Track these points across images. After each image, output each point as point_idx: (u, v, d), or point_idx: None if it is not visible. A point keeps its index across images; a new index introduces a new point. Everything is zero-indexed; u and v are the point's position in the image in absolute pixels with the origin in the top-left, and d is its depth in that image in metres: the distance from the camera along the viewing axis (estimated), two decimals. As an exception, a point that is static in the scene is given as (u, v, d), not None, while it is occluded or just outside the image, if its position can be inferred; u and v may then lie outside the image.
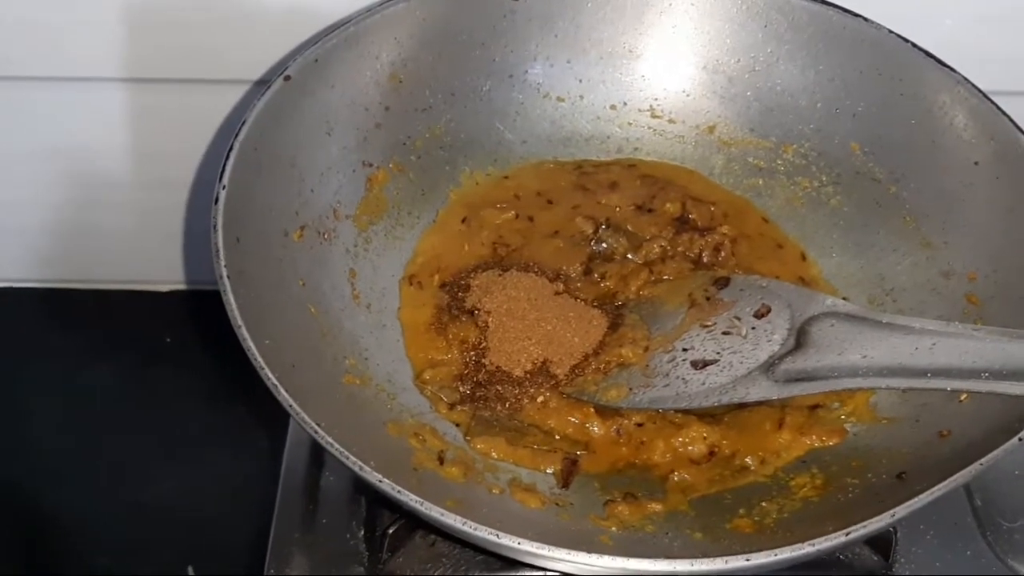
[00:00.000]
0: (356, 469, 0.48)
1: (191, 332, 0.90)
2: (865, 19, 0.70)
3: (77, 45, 0.77)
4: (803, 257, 0.72)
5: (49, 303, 0.92)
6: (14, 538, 0.77)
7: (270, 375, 0.51)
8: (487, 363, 0.65)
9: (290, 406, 0.50)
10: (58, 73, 0.78)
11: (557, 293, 0.68)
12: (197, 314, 0.91)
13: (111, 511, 0.78)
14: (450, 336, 0.66)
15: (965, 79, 0.67)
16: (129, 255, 0.91)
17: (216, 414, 0.83)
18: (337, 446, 0.49)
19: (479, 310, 0.67)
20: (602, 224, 0.72)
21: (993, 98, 0.66)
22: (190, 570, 0.74)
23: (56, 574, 0.75)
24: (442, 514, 0.47)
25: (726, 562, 0.46)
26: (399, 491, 0.47)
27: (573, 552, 0.47)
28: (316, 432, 0.49)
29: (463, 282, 0.69)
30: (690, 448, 0.62)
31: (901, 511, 0.48)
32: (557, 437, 0.63)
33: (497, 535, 0.47)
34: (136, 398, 0.85)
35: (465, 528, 0.47)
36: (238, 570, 0.73)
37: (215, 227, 0.56)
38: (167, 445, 0.82)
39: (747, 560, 0.46)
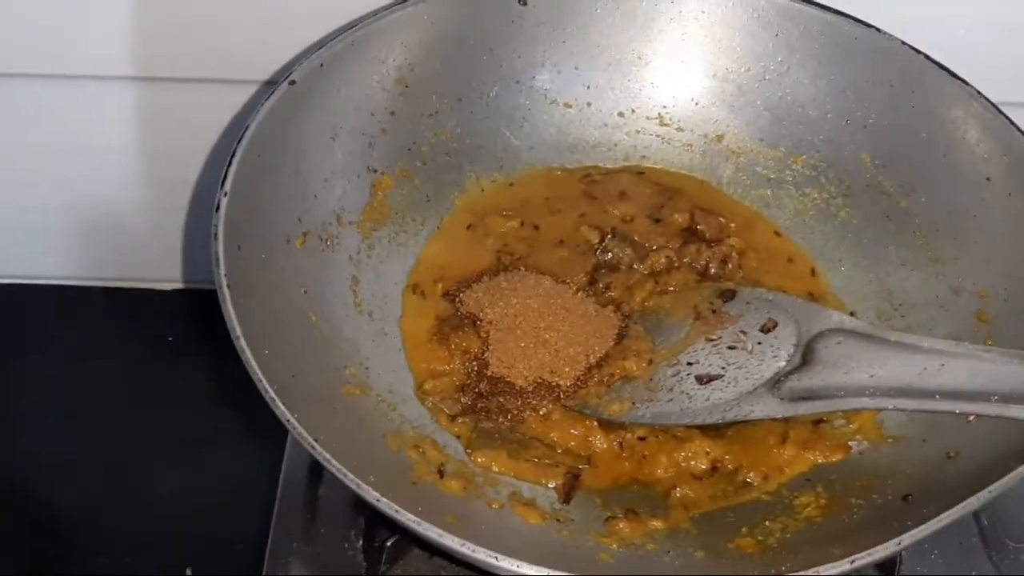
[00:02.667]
0: (354, 487, 0.48)
1: (194, 331, 0.90)
2: (878, 30, 0.69)
3: (85, 43, 0.76)
4: (812, 272, 0.71)
5: (53, 300, 0.92)
6: (12, 535, 0.76)
7: (268, 388, 0.50)
8: (489, 374, 0.64)
9: (287, 420, 0.49)
10: (64, 71, 0.78)
11: (568, 295, 0.68)
12: (200, 313, 0.91)
13: (110, 510, 0.78)
14: (452, 346, 0.66)
15: (978, 92, 0.66)
16: (133, 253, 0.90)
17: (217, 414, 0.83)
18: (335, 463, 0.48)
19: (481, 320, 0.66)
20: (608, 234, 0.72)
21: (1007, 109, 0.65)
22: (188, 572, 0.74)
23: (54, 572, 0.74)
24: (440, 535, 0.47)
25: (728, 588, 0.46)
26: (397, 510, 0.47)
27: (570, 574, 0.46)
28: (314, 448, 0.49)
29: (466, 291, 0.69)
30: (692, 463, 0.61)
31: (907, 539, 0.47)
32: (559, 451, 0.62)
33: (496, 558, 0.46)
34: (138, 397, 0.85)
35: (463, 550, 0.46)
36: (236, 569, 0.73)
37: (215, 235, 0.56)
38: (168, 445, 0.81)
39: (748, 586, 0.46)
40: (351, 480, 0.48)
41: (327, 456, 0.48)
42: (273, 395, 0.50)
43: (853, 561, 0.46)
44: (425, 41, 0.71)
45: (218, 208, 0.57)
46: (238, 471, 0.79)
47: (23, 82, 0.78)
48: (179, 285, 0.92)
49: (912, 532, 0.47)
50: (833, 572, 0.46)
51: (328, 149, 0.67)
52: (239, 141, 0.60)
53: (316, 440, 0.49)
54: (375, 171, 0.70)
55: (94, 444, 0.81)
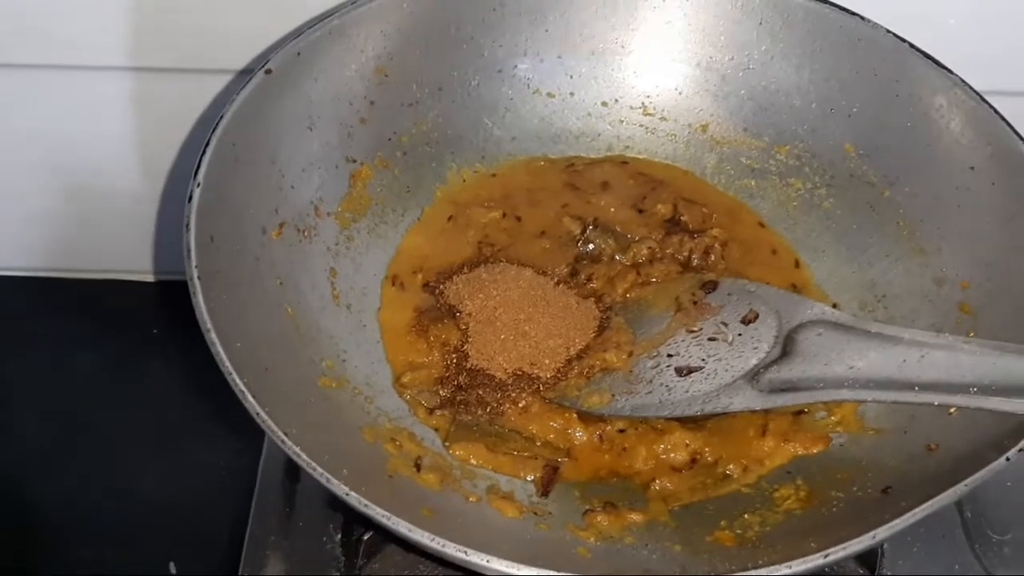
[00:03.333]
0: (323, 481, 0.47)
1: (174, 324, 0.89)
2: (862, 18, 0.69)
3: (67, 32, 0.75)
4: (796, 264, 0.71)
5: (37, 292, 0.91)
6: (-5, 527, 0.76)
7: (238, 381, 0.50)
8: (468, 366, 0.64)
9: (257, 414, 0.49)
10: (43, 61, 0.77)
11: (549, 287, 0.67)
12: (184, 305, 0.90)
13: (92, 504, 0.77)
14: (431, 338, 0.65)
15: (963, 81, 0.65)
16: (114, 244, 0.90)
17: (199, 408, 0.82)
18: (304, 457, 0.48)
19: (461, 312, 0.66)
20: (590, 224, 0.71)
21: (992, 98, 0.65)
22: (172, 567, 0.73)
23: (38, 565, 0.74)
24: (410, 529, 0.46)
25: (700, 582, 0.45)
26: (366, 504, 0.46)
27: (544, 571, 0.45)
28: (283, 442, 0.48)
29: (446, 283, 0.68)
30: (672, 455, 0.61)
31: (882, 532, 0.47)
32: (538, 443, 0.62)
33: (466, 552, 0.45)
34: (118, 390, 0.84)
35: (433, 545, 0.46)
36: (219, 562, 0.72)
37: (187, 226, 0.55)
38: (149, 439, 0.81)
39: (721, 580, 0.45)
40: (320, 474, 0.47)
41: (296, 450, 0.48)
42: (243, 388, 0.50)
43: (827, 555, 0.46)
44: (404, 29, 0.70)
45: (190, 199, 0.56)
46: (221, 464, 0.79)
47: (6, 72, 0.77)
48: (163, 277, 0.92)
49: (888, 525, 0.47)
50: (805, 567, 0.46)
51: (305, 139, 0.66)
52: (213, 131, 0.59)
53: (286, 434, 0.49)
54: (354, 161, 0.69)
55: (74, 438, 0.81)
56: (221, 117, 0.60)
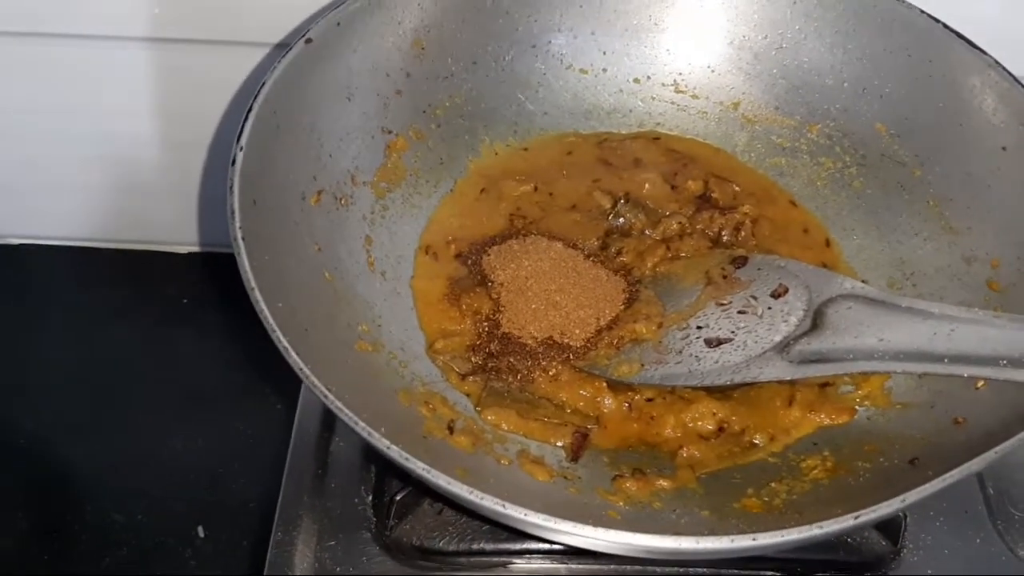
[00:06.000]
0: (365, 435, 0.48)
1: (209, 294, 0.91)
2: (896, -3, 0.69)
3: (102, 3, 0.76)
4: (827, 243, 0.71)
5: (69, 261, 0.93)
6: (29, 494, 0.77)
7: (281, 338, 0.51)
8: (500, 334, 0.65)
9: (300, 370, 0.50)
10: (83, 31, 0.78)
11: (579, 259, 0.68)
12: (215, 276, 0.91)
13: (126, 469, 0.78)
14: (464, 307, 0.66)
15: (996, 62, 0.66)
16: (150, 215, 0.91)
17: (231, 376, 0.84)
18: (347, 411, 0.49)
19: (493, 282, 0.67)
20: (620, 199, 0.72)
21: (1026, 83, 0.65)
22: (200, 531, 0.75)
23: (69, 530, 0.75)
24: (449, 482, 0.47)
25: (732, 541, 0.46)
26: (407, 458, 0.47)
27: (579, 525, 0.47)
28: (326, 396, 0.49)
29: (478, 253, 0.69)
30: (700, 424, 0.61)
31: (912, 496, 0.47)
32: (568, 411, 0.63)
33: (504, 505, 0.47)
34: (152, 358, 0.85)
35: (472, 497, 0.47)
36: (248, 529, 0.74)
37: (231, 189, 0.56)
38: (182, 406, 0.82)
39: (753, 540, 0.46)
40: (362, 428, 0.48)
41: (339, 405, 0.49)
42: (287, 344, 0.51)
43: (857, 517, 0.47)
44: (442, 3, 0.71)
45: (234, 162, 0.57)
46: (250, 434, 0.80)
47: (41, 41, 0.79)
48: (195, 248, 0.93)
49: (917, 490, 0.47)
50: (836, 527, 0.46)
51: (343, 109, 0.67)
52: (255, 97, 0.60)
53: (328, 390, 0.50)
54: (390, 132, 0.70)
55: (109, 405, 0.82)
56: (263, 84, 0.61)
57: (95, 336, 0.86)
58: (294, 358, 0.50)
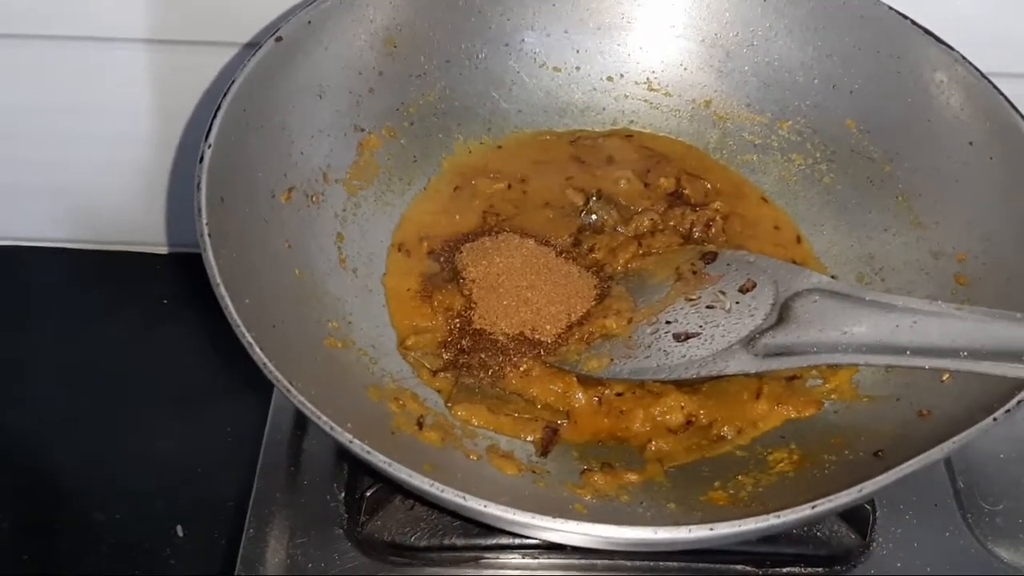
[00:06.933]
0: (327, 429, 0.48)
1: (187, 294, 0.91)
2: (864, -5, 0.70)
3: (88, 5, 0.76)
4: (798, 239, 0.72)
5: (49, 262, 0.93)
6: (9, 491, 0.77)
7: (246, 333, 0.51)
8: (471, 330, 0.65)
9: (264, 365, 0.50)
10: (63, 33, 0.78)
11: (551, 256, 0.68)
12: (194, 277, 0.91)
13: (105, 467, 0.78)
14: (435, 303, 0.66)
15: (963, 57, 0.66)
16: (125, 216, 0.91)
17: (211, 375, 0.84)
18: (310, 406, 0.49)
19: (465, 278, 0.67)
20: (593, 196, 0.72)
21: (995, 80, 0.65)
22: (179, 530, 0.75)
23: (50, 527, 0.75)
24: (410, 475, 0.47)
25: (690, 531, 0.47)
26: (368, 452, 0.48)
27: (537, 516, 0.47)
28: (289, 391, 0.49)
29: (451, 250, 0.69)
30: (668, 417, 0.62)
31: (868, 486, 0.48)
32: (539, 406, 0.63)
33: (464, 498, 0.47)
34: (130, 358, 0.85)
35: (432, 490, 0.47)
36: (227, 527, 0.74)
37: (198, 186, 0.56)
38: (160, 405, 0.82)
39: (711, 530, 0.47)
40: (325, 423, 0.48)
41: (302, 399, 0.49)
42: (251, 340, 0.51)
43: (815, 507, 0.47)
44: (414, 1, 0.71)
45: (201, 160, 0.58)
46: (228, 432, 0.80)
47: (27, 43, 0.79)
48: (176, 249, 0.93)
49: (874, 480, 0.48)
50: (794, 517, 0.47)
51: (315, 106, 0.67)
52: (224, 95, 0.61)
53: (292, 385, 0.50)
54: (362, 130, 0.70)
55: (90, 404, 0.82)
56: (232, 82, 0.61)
57: (76, 336, 0.86)
58: (258, 353, 0.51)
